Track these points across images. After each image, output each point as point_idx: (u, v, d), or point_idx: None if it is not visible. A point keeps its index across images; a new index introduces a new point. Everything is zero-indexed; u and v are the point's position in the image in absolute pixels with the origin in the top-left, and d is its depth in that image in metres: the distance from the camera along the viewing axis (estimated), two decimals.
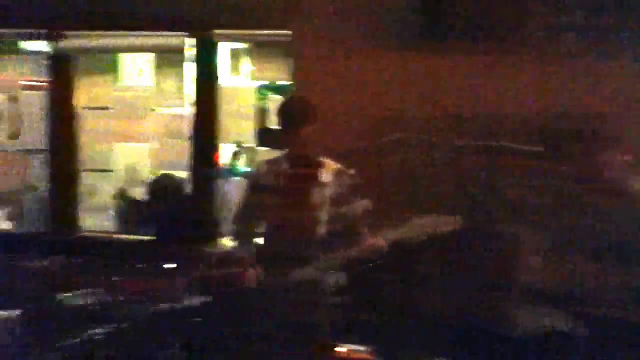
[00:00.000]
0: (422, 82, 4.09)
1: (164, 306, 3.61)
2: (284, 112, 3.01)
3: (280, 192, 2.94)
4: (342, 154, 3.06)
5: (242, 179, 3.45)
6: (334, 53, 4.36)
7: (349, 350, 3.04)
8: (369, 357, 3.07)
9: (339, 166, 2.98)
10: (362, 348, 3.06)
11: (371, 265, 2.97)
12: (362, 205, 2.95)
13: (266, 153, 4.81)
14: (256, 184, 3.08)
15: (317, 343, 2.86)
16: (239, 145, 4.76)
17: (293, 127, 2.91)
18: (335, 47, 4.36)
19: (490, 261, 3.59)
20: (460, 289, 3.57)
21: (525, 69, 3.94)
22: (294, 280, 2.82)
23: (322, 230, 2.89)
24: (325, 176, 2.94)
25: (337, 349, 2.97)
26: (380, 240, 2.84)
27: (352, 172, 2.99)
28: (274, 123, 4.84)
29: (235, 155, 4.85)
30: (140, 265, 3.98)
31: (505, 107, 3.95)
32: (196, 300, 3.44)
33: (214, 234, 4.25)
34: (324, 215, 2.89)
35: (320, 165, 2.96)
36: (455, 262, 3.62)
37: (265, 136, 4.81)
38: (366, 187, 2.99)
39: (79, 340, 3.48)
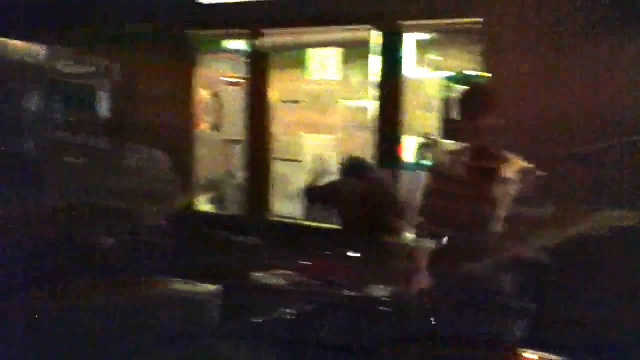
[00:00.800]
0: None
1: (347, 293, 3.73)
2: (465, 101, 2.89)
3: (458, 184, 2.82)
4: (531, 153, 2.90)
5: (426, 172, 3.43)
6: (529, 40, 4.13)
7: (540, 358, 2.85)
8: None
9: (526, 164, 2.78)
10: (554, 357, 2.85)
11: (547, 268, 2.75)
12: (546, 207, 2.75)
13: (451, 146, 4.74)
14: (436, 175, 3.00)
15: (500, 347, 2.75)
16: (425, 137, 4.71)
17: (473, 118, 2.76)
18: (531, 34, 4.13)
19: None
20: None
21: None
22: (468, 277, 2.71)
23: (498, 227, 2.72)
24: (508, 172, 2.75)
25: (526, 356, 2.81)
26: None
27: (541, 172, 2.78)
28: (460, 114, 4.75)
29: (421, 148, 4.82)
30: (327, 252, 4.14)
31: None
32: (378, 291, 3.51)
33: (396, 227, 4.28)
34: (501, 213, 2.71)
35: (503, 160, 2.78)
36: None
37: (450, 128, 4.71)
38: (556, 190, 2.81)
39: (271, 318, 3.74)
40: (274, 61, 5.67)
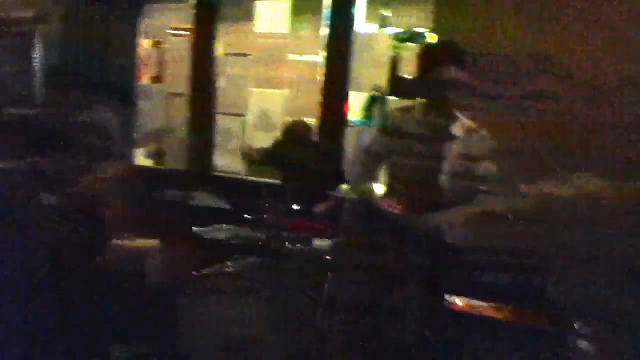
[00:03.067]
0: None
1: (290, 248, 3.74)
2: (425, 56, 2.88)
3: (408, 141, 2.85)
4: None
5: (371, 128, 3.46)
6: None
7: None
8: None
9: (471, 122, 2.86)
10: None
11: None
12: (489, 166, 2.82)
13: (398, 102, 4.78)
14: (385, 132, 3.00)
15: None
16: (372, 94, 4.72)
17: (432, 74, 2.77)
18: None
19: None
20: None
21: None
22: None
23: (446, 184, 2.80)
24: (457, 130, 2.83)
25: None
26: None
27: (484, 131, 2.85)
28: (408, 72, 4.78)
29: (367, 104, 4.84)
30: (267, 206, 4.13)
31: None
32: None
33: (339, 181, 4.31)
34: (449, 170, 2.79)
35: (453, 118, 2.84)
36: None
37: (398, 85, 4.73)
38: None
39: (213, 271, 3.74)
40: (222, 12, 5.48)
